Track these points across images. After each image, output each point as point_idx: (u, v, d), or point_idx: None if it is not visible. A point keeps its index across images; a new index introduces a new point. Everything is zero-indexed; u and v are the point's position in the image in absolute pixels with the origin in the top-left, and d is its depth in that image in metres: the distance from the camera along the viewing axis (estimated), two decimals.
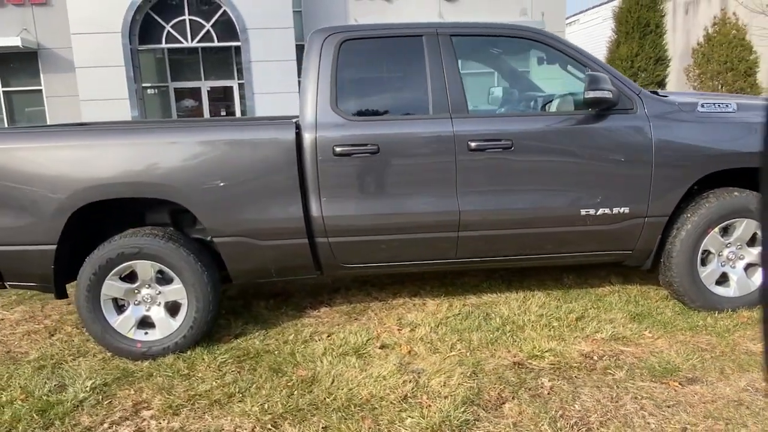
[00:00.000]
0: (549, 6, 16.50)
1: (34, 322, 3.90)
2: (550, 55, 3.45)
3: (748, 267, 3.42)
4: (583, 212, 3.23)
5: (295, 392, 2.75)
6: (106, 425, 2.57)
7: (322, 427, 2.44)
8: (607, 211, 3.23)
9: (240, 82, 15.57)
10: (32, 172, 3.05)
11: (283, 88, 14.24)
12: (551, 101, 3.62)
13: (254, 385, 2.84)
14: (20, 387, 2.90)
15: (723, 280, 3.44)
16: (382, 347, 3.19)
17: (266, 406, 2.64)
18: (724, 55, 12.98)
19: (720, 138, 3.26)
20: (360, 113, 3.24)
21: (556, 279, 4.14)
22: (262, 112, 14.19)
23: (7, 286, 3.26)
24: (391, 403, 2.61)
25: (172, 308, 3.26)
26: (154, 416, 2.65)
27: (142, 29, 14.36)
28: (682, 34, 20.22)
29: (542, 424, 2.37)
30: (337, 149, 3.09)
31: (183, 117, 15.31)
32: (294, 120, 3.23)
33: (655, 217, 3.27)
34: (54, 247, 3.11)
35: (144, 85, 15.44)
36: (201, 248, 3.29)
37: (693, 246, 3.30)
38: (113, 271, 3.12)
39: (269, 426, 2.50)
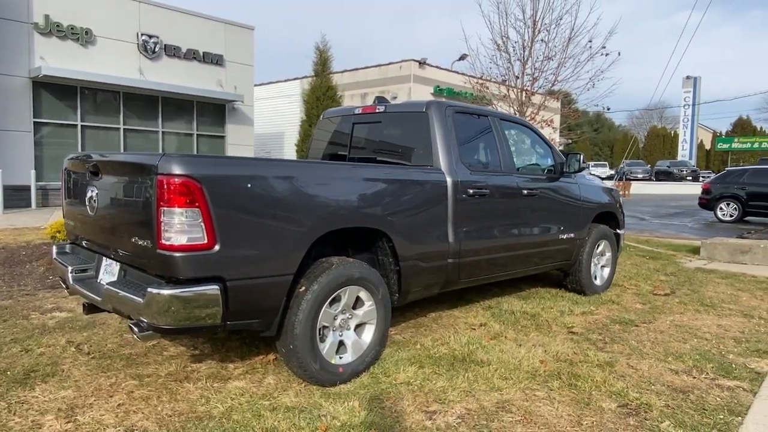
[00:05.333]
0: (240, 82, 18.11)
1: (113, 393, 3.22)
2: (532, 139, 5.29)
3: (600, 266, 6.00)
4: (561, 236, 5.16)
5: (504, 369, 3.64)
6: (440, 419, 2.96)
7: (568, 377, 3.51)
8: (568, 235, 5.25)
9: None
10: (290, 200, 3.00)
11: None
12: (540, 165, 5.40)
13: (472, 373, 3.56)
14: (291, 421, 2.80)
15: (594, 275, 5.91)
16: (490, 339, 4.27)
17: (513, 377, 3.47)
18: None
19: (600, 194, 5.78)
20: (472, 166, 4.33)
21: (502, 289, 5.85)
22: None
23: (228, 326, 2.89)
24: (564, 361, 3.84)
25: (358, 330, 3.53)
26: (445, 402, 3.12)
27: None
28: None
29: (640, 348, 4.11)
30: (470, 191, 4.14)
31: None
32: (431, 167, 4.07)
33: (581, 238, 5.48)
34: (291, 277, 3.07)
35: None
36: None
37: (590, 254, 5.64)
38: (329, 299, 3.26)
39: (536, 386, 3.39)
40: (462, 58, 24.43)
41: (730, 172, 17.10)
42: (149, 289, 2.66)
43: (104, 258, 3.39)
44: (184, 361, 3.66)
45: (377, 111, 4.60)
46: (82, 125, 14.72)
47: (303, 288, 3.16)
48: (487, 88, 13.60)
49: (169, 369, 3.52)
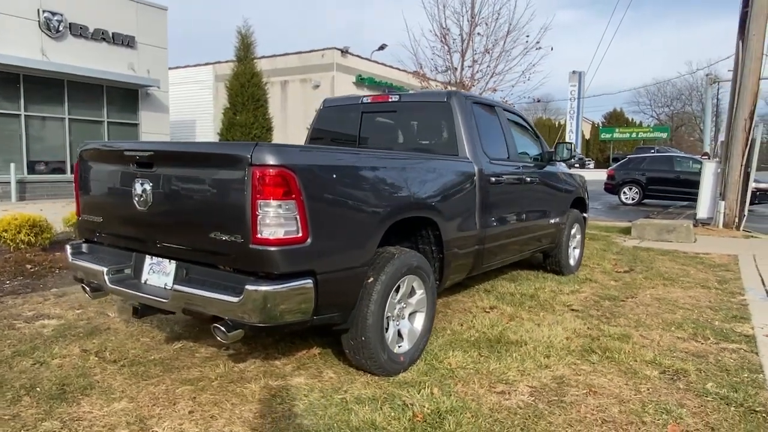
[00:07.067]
0: (153, 66, 16.93)
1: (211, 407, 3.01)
2: (524, 127, 5.52)
3: (572, 247, 6.43)
4: (550, 221, 5.47)
5: (541, 347, 3.84)
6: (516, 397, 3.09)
7: (601, 350, 3.78)
8: (555, 220, 5.58)
9: None
10: (370, 190, 2.96)
11: None
12: (530, 153, 5.63)
13: (516, 353, 3.72)
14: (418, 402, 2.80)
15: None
16: (509, 321, 4.46)
17: (553, 354, 3.68)
18: None
19: (574, 181, 6.17)
20: (490, 155, 4.45)
21: (487, 274, 6.05)
22: None
23: (314, 321, 2.79)
24: (586, 337, 4.12)
25: (410, 318, 3.56)
26: (508, 382, 3.26)
27: None
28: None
29: (641, 320, 4.49)
30: (492, 179, 4.28)
31: None
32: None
33: (563, 223, 5.84)
34: (366, 268, 3.02)
35: None
36: None
37: (568, 237, 6.04)
38: (393, 289, 3.26)
39: (577, 361, 3.62)
40: (381, 47, 24.72)
41: (631, 159, 18.80)
42: (247, 287, 2.52)
43: (148, 256, 3.12)
44: (226, 362, 3.47)
45: (391, 100, 4.59)
46: None
47: (371, 279, 3.12)
48: (427, 79, 13.85)
49: (216, 371, 3.33)
